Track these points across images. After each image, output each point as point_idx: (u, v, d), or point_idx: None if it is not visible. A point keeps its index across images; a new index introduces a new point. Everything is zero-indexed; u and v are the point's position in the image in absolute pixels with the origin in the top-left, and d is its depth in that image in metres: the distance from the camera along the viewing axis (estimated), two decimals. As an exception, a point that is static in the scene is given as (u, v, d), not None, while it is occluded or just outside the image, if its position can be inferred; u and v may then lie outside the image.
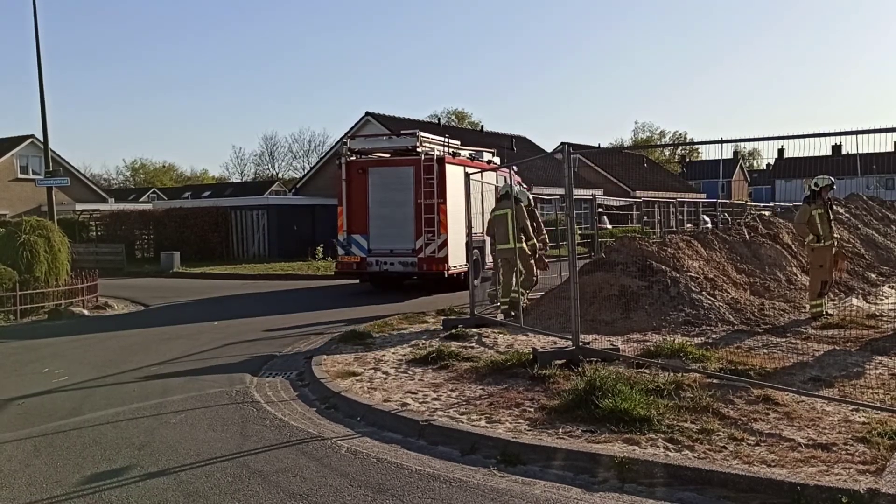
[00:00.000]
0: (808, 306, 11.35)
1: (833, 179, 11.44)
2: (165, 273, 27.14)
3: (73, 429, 7.08)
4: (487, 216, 13.86)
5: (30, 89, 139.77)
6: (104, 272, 21.21)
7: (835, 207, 11.47)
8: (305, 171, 55.64)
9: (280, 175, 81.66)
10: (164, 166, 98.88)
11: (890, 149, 55.19)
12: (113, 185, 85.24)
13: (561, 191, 21.96)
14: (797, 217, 11.77)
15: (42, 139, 22.74)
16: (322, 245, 27.71)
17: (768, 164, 79.35)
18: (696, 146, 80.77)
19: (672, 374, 7.34)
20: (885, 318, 10.87)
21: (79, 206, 38.89)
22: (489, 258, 17.23)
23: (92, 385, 9.00)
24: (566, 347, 8.57)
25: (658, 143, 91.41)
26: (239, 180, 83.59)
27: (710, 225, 25.19)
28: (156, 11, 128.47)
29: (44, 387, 8.94)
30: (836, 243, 11.58)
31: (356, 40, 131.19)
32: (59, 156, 37.83)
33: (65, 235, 17.90)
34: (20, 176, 38.87)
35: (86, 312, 16.34)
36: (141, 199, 61.08)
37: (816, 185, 11.40)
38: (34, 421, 7.42)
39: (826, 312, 11.04)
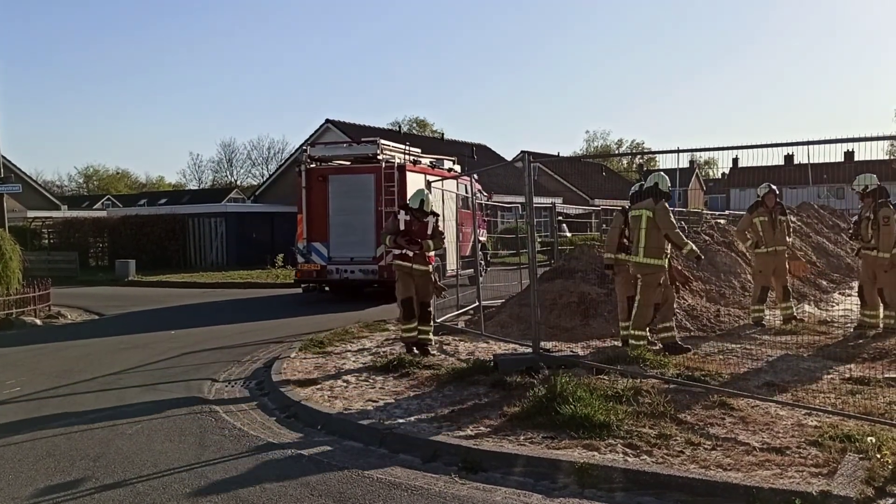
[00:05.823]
0: (749, 311, 11.54)
1: (773, 186, 11.63)
2: (120, 281, 26.62)
3: (25, 440, 6.92)
4: (450, 223, 13.88)
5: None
6: (57, 280, 20.71)
7: (783, 215, 11.57)
8: (264, 178, 55.23)
9: (238, 182, 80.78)
10: (118, 173, 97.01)
11: (840, 159, 56.33)
12: (66, 193, 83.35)
13: (521, 199, 22.07)
14: (738, 224, 12.44)
15: (-7, 145, 22.20)
16: (282, 253, 27.49)
17: (723, 174, 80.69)
18: (653, 155, 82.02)
19: (631, 380, 7.45)
20: (836, 324, 11.17)
21: (31, 214, 38.02)
22: (451, 265, 17.28)
23: (45, 396, 8.80)
24: (527, 354, 8.63)
25: (615, 152, 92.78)
26: (196, 187, 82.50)
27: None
28: (110, 12, 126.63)
29: (-6, 398, 8.72)
30: (788, 249, 11.79)
31: (317, 47, 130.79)
32: (10, 162, 36.94)
33: (16, 243, 17.52)
34: (-31, 182, 37.84)
35: (38, 322, 15.97)
36: (95, 207, 59.82)
37: (758, 193, 11.72)
38: (-16, 433, 7.23)
39: (795, 317, 11.27)
